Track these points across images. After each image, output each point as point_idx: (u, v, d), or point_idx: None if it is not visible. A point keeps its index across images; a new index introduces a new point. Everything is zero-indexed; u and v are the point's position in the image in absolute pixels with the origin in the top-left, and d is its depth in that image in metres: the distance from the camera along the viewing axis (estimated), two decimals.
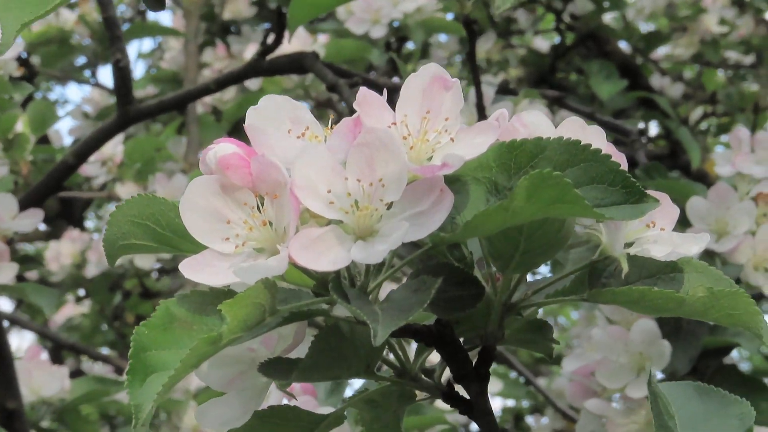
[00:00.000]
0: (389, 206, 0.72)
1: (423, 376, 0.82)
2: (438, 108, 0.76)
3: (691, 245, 0.80)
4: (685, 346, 1.54)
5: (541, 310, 0.86)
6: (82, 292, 3.04)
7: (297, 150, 0.72)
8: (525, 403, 3.41)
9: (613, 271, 0.80)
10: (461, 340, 0.81)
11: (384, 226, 0.71)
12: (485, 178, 0.76)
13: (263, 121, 0.76)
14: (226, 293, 0.72)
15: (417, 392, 0.84)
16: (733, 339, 1.55)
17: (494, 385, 2.14)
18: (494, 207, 0.71)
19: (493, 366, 2.37)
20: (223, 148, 0.73)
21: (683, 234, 0.81)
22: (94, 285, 2.75)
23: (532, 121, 0.80)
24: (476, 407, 0.81)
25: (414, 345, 0.84)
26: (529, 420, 3.33)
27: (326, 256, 0.70)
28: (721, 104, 3.07)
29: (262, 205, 0.73)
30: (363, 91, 0.74)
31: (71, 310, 2.99)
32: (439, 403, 2.17)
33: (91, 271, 2.67)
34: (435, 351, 0.81)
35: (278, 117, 0.76)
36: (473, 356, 0.82)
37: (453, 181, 0.73)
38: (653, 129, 3.06)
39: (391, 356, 0.82)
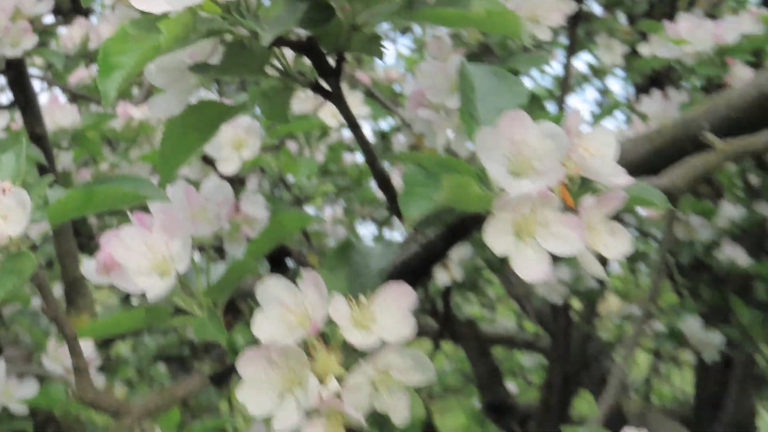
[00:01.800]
0: None
1: (299, 74, 0.83)
2: None
3: None
4: None
5: None
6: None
7: None
8: (387, 128, 3.40)
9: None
10: (324, 51, 0.81)
11: None
12: None
13: None
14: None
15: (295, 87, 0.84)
16: (513, 65, 1.54)
17: (364, 109, 2.13)
18: None
19: (362, 96, 2.36)
20: None
21: None
22: (96, 55, 2.68)
23: None
24: (333, 93, 0.82)
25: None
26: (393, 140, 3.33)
27: None
28: None
29: None
30: None
31: (82, 74, 2.92)
32: (322, 115, 2.16)
33: (93, 45, 2.60)
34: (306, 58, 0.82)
35: None
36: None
37: None
38: None
39: (278, 63, 0.82)
